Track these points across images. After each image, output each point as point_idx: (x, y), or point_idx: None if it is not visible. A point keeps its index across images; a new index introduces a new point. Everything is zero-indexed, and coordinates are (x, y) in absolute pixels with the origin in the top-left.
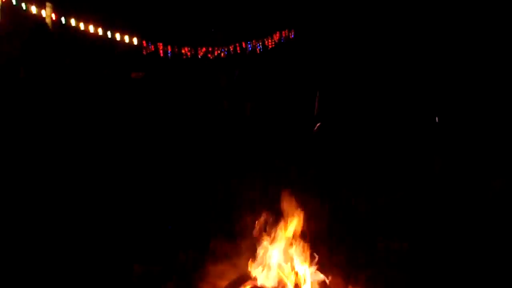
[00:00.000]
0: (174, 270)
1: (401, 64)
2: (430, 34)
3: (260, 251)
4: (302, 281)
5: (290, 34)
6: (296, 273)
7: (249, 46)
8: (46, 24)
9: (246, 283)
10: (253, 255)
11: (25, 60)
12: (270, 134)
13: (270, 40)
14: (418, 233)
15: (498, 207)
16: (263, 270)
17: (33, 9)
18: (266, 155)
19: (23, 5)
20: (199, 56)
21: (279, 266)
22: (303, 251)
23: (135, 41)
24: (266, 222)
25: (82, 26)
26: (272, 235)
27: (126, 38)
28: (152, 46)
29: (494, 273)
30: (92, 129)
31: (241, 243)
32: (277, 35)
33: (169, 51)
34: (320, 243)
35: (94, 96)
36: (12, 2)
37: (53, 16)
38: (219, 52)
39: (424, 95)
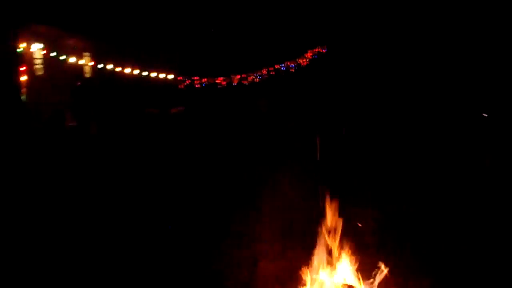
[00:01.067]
0: None
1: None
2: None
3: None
4: None
5: (322, 49)
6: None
7: (282, 67)
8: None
9: None
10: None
11: (73, 108)
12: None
13: (303, 59)
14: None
15: None
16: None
17: (72, 60)
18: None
19: (64, 56)
20: (234, 84)
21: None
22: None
23: (171, 77)
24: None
25: (119, 69)
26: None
27: (163, 75)
28: (188, 80)
29: None
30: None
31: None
32: (309, 53)
33: (204, 83)
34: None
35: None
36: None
37: (91, 63)
38: (253, 77)
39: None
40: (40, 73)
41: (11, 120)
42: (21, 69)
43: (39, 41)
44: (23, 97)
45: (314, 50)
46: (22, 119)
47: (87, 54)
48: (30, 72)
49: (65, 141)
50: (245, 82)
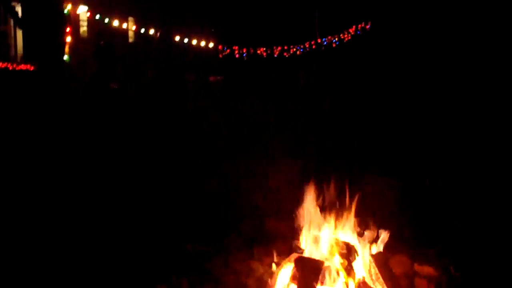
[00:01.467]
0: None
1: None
2: None
3: (309, 224)
4: (353, 254)
5: (366, 26)
6: (347, 245)
7: (324, 41)
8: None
9: (292, 255)
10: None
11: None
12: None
13: (346, 34)
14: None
15: None
16: (311, 242)
17: (116, 23)
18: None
19: (107, 19)
20: (275, 55)
21: (329, 239)
22: (357, 225)
23: (211, 45)
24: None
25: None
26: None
27: (203, 43)
28: (228, 50)
29: None
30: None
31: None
32: (353, 28)
33: (244, 53)
34: (382, 221)
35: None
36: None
37: (134, 27)
38: (294, 50)
39: None
40: (84, 35)
41: (55, 78)
42: (67, 30)
43: (85, 3)
44: (66, 58)
45: (358, 25)
46: (65, 79)
47: (131, 19)
48: (75, 33)
49: (106, 102)
50: (286, 54)
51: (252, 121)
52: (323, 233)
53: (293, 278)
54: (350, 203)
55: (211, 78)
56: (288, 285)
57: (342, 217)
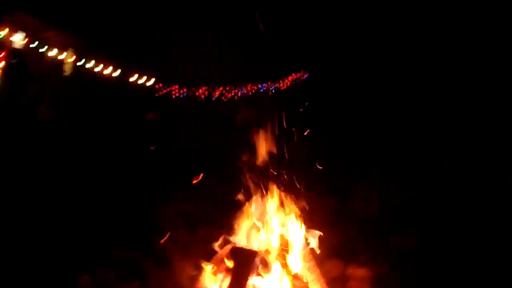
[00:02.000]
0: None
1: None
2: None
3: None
4: (289, 245)
5: (303, 75)
6: (282, 236)
7: (262, 86)
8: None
9: (225, 247)
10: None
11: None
12: None
13: (285, 81)
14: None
15: None
16: (246, 235)
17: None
18: None
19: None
20: (213, 98)
21: (266, 230)
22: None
23: (149, 83)
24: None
25: (100, 68)
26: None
27: (142, 80)
28: (165, 90)
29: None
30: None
31: None
32: (292, 76)
33: (184, 93)
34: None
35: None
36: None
37: (73, 58)
38: (235, 91)
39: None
40: (17, 61)
41: None
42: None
43: (22, 30)
44: None
45: (296, 74)
46: None
47: (70, 50)
48: (8, 59)
49: (35, 132)
50: (223, 99)
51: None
52: (258, 226)
53: (227, 270)
54: (288, 204)
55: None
56: (222, 280)
57: (280, 214)
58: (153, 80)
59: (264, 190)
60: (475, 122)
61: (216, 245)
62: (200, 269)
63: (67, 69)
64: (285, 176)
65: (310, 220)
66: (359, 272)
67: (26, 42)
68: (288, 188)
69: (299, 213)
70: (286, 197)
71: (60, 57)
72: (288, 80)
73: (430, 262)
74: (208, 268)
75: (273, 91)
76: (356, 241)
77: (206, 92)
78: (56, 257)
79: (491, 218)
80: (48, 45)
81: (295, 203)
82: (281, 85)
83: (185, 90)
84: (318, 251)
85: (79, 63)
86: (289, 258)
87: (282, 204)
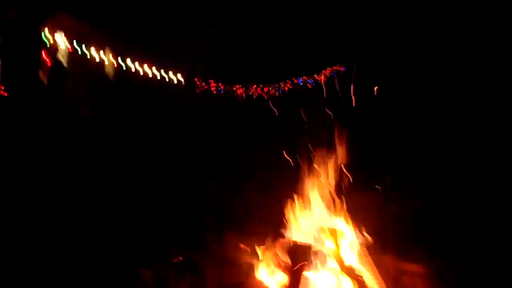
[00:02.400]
0: None
1: None
2: None
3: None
4: (342, 241)
5: (341, 68)
6: (336, 232)
7: (299, 81)
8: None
9: (277, 242)
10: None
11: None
12: None
13: (322, 75)
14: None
15: None
16: (298, 230)
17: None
18: None
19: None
20: (254, 96)
21: (317, 227)
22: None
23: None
24: None
25: (137, 66)
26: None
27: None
28: (206, 85)
29: None
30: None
31: None
32: (327, 70)
33: (221, 89)
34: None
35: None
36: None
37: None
38: (272, 89)
39: None
40: (61, 63)
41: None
42: (44, 56)
43: (64, 31)
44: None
45: (333, 67)
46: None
47: (108, 49)
48: (51, 59)
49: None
50: (264, 96)
51: None
52: (310, 221)
53: (279, 264)
54: (339, 198)
55: None
56: (277, 274)
57: (331, 209)
58: (189, 77)
59: (316, 186)
60: None
61: (270, 240)
62: (255, 264)
63: (108, 69)
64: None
65: (361, 216)
66: (412, 268)
67: (68, 43)
68: (339, 185)
69: (350, 209)
70: (336, 193)
71: (101, 57)
72: (326, 73)
73: (483, 260)
74: (262, 262)
75: (313, 84)
76: (407, 238)
77: (243, 90)
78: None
79: None
80: (87, 45)
81: (345, 199)
82: (319, 79)
83: (225, 87)
84: (371, 245)
85: (118, 62)
86: (343, 252)
87: (333, 200)
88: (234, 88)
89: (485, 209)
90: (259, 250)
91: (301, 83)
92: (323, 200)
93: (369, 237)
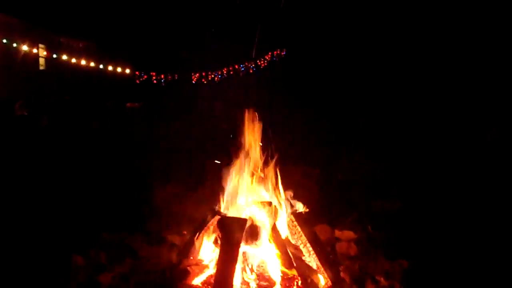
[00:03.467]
0: None
1: None
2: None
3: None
4: (273, 212)
5: (281, 52)
6: (269, 203)
7: (241, 67)
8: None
9: (213, 219)
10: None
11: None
12: None
13: (262, 60)
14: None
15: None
16: (232, 206)
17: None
18: None
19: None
20: (193, 82)
21: (251, 201)
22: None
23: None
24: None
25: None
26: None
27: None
28: (145, 76)
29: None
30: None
31: None
32: (269, 55)
33: (162, 79)
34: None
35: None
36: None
37: (45, 53)
38: (212, 76)
39: None
40: None
41: None
42: None
43: None
44: None
45: (274, 52)
46: None
47: (42, 46)
48: None
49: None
50: (204, 81)
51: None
52: (243, 196)
53: (216, 241)
54: (271, 173)
55: (128, 105)
56: (213, 251)
57: (262, 183)
58: (130, 69)
59: (249, 162)
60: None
61: (205, 218)
62: (192, 243)
63: (42, 65)
64: (271, 150)
65: (296, 188)
66: (346, 234)
67: None
68: (273, 160)
69: (284, 182)
70: (271, 168)
71: (33, 51)
72: (267, 58)
73: (412, 224)
74: (199, 240)
75: (253, 70)
76: (341, 206)
77: (185, 77)
78: (48, 239)
79: (470, 180)
80: (17, 39)
81: (281, 173)
82: (259, 64)
83: (166, 76)
84: (304, 213)
85: (54, 56)
86: (278, 224)
87: (266, 174)
88: (176, 77)
89: (408, 172)
90: (197, 230)
91: (243, 69)
92: (256, 176)
93: (303, 207)
